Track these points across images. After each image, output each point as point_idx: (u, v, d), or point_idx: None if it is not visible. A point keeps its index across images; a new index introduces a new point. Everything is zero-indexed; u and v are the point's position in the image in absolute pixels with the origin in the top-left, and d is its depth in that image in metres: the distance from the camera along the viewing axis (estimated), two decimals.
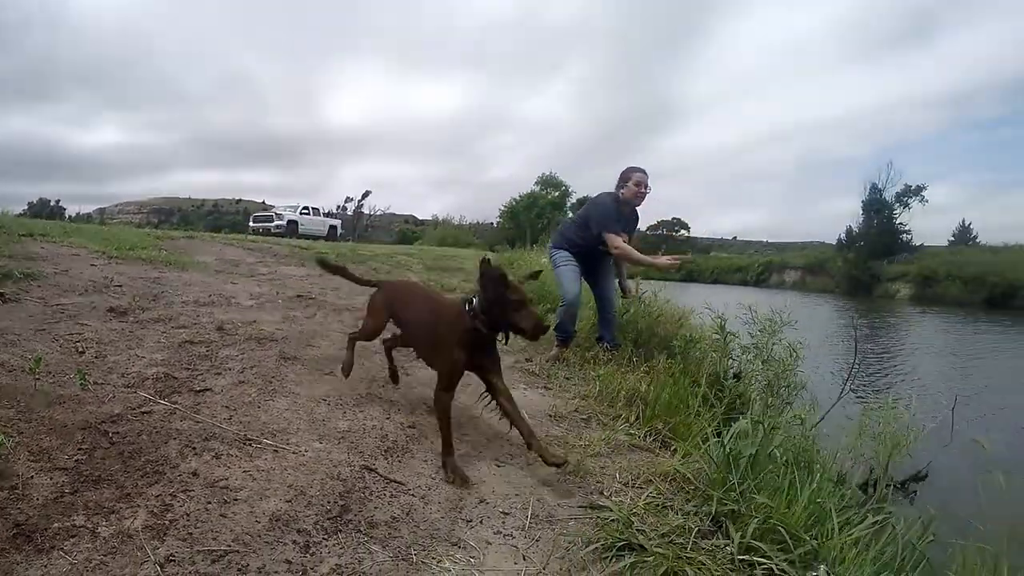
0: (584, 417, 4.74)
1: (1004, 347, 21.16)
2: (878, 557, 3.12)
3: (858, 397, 9.05)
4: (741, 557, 2.76)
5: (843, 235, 50.95)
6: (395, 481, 3.22)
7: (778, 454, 3.60)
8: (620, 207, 6.46)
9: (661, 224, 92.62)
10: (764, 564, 2.77)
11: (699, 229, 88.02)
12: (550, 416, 4.68)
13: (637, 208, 6.64)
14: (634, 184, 6.40)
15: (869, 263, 45.92)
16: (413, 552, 2.65)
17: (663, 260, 6.21)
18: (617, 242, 6.26)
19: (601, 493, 3.45)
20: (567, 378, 5.97)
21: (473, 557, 2.69)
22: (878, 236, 47.63)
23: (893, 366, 15.45)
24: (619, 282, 6.93)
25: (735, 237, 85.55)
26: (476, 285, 3.27)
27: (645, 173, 6.44)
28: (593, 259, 6.61)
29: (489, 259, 3.22)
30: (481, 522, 3.00)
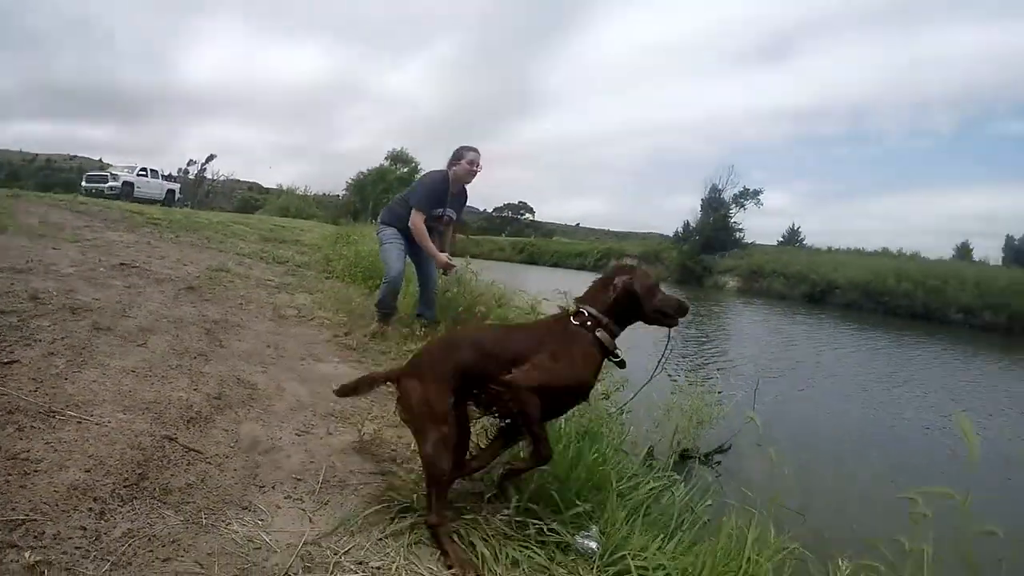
0: (392, 391, 4.88)
1: (815, 337, 23.02)
2: (657, 520, 3.42)
3: (678, 378, 9.66)
4: (518, 519, 2.98)
5: (680, 228, 54.31)
6: (194, 450, 3.26)
7: (562, 424, 3.80)
8: (450, 185, 6.57)
9: (507, 207, 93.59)
10: (537, 524, 3.00)
11: (544, 214, 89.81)
12: None
13: (467, 187, 6.83)
14: (467, 163, 6.53)
15: (702, 256, 48.71)
16: (204, 516, 2.72)
17: (442, 258, 6.46)
18: (416, 220, 6.40)
19: (394, 460, 3.61)
20: (383, 353, 6.10)
21: (262, 520, 2.79)
22: (713, 232, 50.59)
23: (716, 350, 16.47)
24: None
25: (578, 224, 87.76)
26: (592, 296, 3.18)
27: (478, 152, 6.56)
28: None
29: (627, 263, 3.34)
30: (274, 487, 3.09)
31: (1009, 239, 54.74)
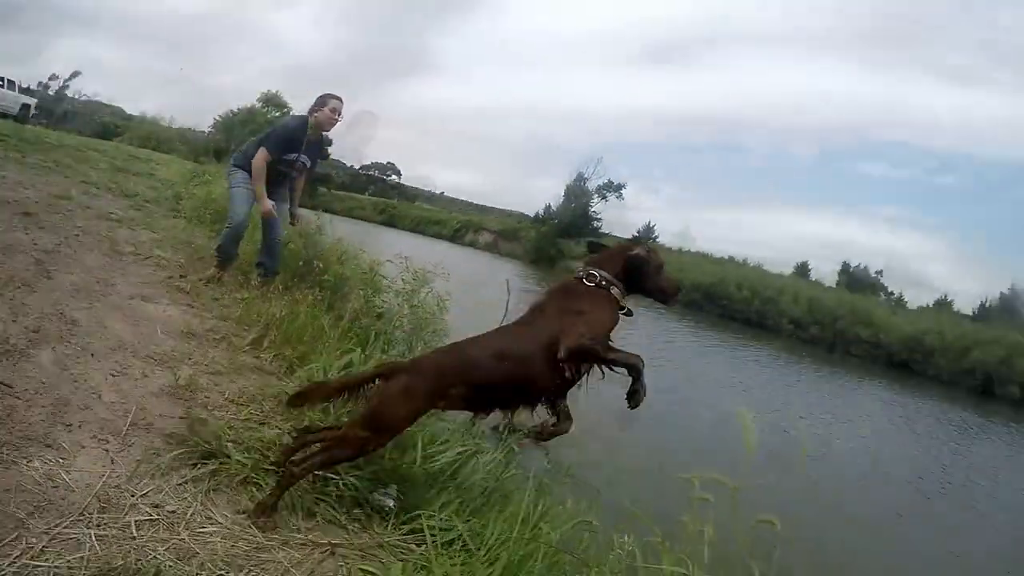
0: (218, 337, 4.86)
1: (651, 329, 24.08)
2: (461, 484, 3.55)
3: None
4: (316, 471, 3.07)
5: (541, 211, 54.31)
6: (3, 383, 3.19)
7: None
8: (308, 131, 6.54)
9: (375, 166, 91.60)
10: (335, 480, 3.13)
11: (412, 178, 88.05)
12: (183, 332, 4.73)
13: (339, 143, 6.83)
14: (329, 110, 6.50)
15: (558, 240, 49.51)
16: (5, 451, 2.69)
17: (267, 203, 6.36)
18: (259, 158, 6.31)
19: (205, 407, 3.64)
20: (215, 299, 6.02)
21: (63, 459, 2.77)
22: (572, 218, 51.40)
23: None
24: (290, 209, 6.97)
25: (443, 192, 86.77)
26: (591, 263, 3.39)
27: (341, 101, 6.56)
28: (269, 183, 6.56)
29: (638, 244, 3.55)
30: (80, 427, 3.06)
31: (845, 264, 58.67)
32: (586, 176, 54.06)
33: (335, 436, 2.91)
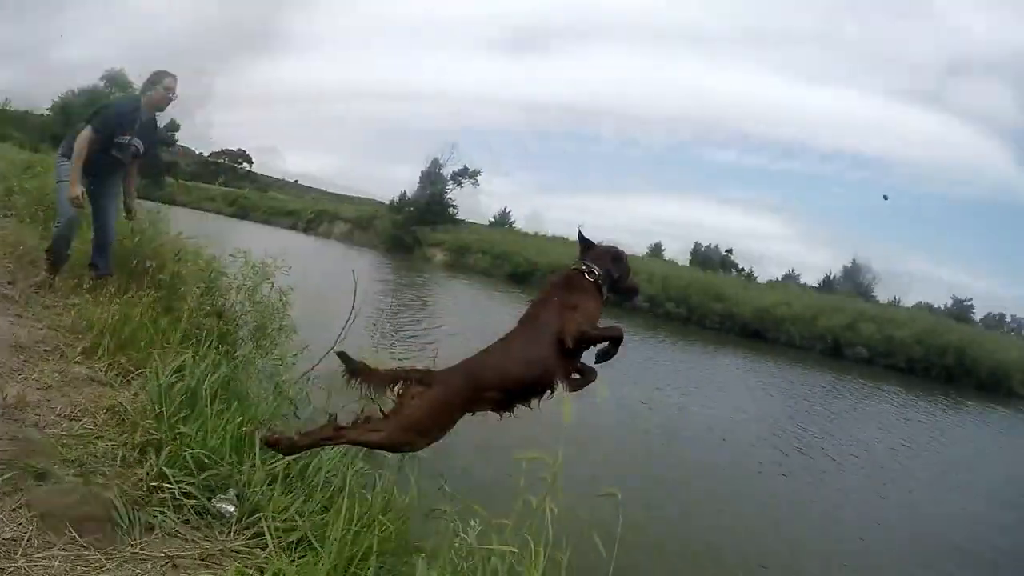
0: (49, 348, 4.63)
1: (512, 312, 24.46)
2: (309, 482, 3.57)
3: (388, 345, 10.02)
4: (153, 483, 3.06)
5: (397, 198, 53.60)
6: None
7: (205, 390, 3.82)
8: (142, 112, 6.28)
9: (225, 153, 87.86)
10: (171, 488, 3.06)
11: (264, 166, 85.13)
12: (12, 347, 4.44)
13: (159, 115, 6.57)
14: (163, 88, 6.25)
15: (415, 228, 49.28)
16: None
17: (75, 189, 5.97)
18: (82, 137, 5.96)
19: (36, 425, 3.46)
20: (46, 306, 5.70)
21: None
22: (428, 205, 51.17)
23: (415, 320, 17.05)
24: (125, 202, 6.64)
25: (296, 180, 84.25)
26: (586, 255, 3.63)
27: (175, 79, 6.31)
28: (99, 173, 6.26)
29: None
30: None
31: (697, 244, 61.52)
32: (442, 162, 53.90)
33: (377, 436, 3.08)
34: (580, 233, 3.82)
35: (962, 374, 36.93)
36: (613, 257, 3.65)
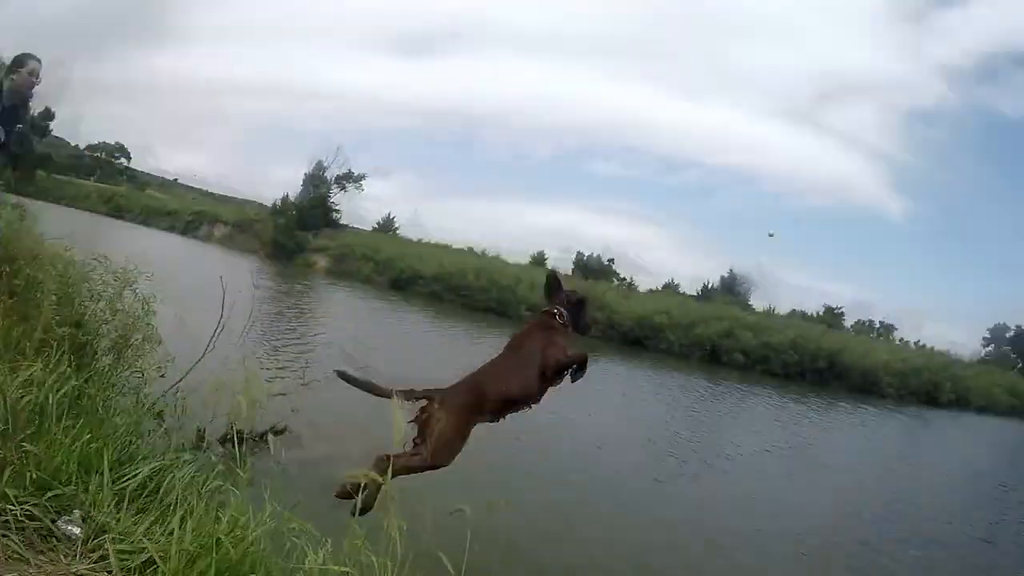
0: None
1: (393, 321, 24.52)
2: (163, 500, 3.45)
3: (259, 356, 9.89)
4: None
5: (280, 201, 52.16)
6: None
7: (52, 405, 3.73)
8: (4, 97, 6.00)
9: (102, 146, 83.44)
10: (13, 510, 2.94)
11: (143, 162, 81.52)
12: None
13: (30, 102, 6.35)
14: (28, 72, 5.99)
15: (297, 233, 48.29)
16: None
17: None
18: None
19: None
20: None
21: None
22: (311, 209, 50.33)
23: (292, 328, 16.84)
24: None
25: (176, 179, 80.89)
26: (554, 298, 4.70)
27: (40, 62, 6.07)
28: None
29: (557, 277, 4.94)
30: None
31: (579, 254, 62.88)
32: (326, 165, 53.26)
33: (419, 460, 3.97)
34: (552, 276, 4.99)
35: (834, 377, 39.35)
36: (577, 302, 4.74)
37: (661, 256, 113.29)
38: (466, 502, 3.44)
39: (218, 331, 6.39)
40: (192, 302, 8.44)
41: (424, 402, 4.06)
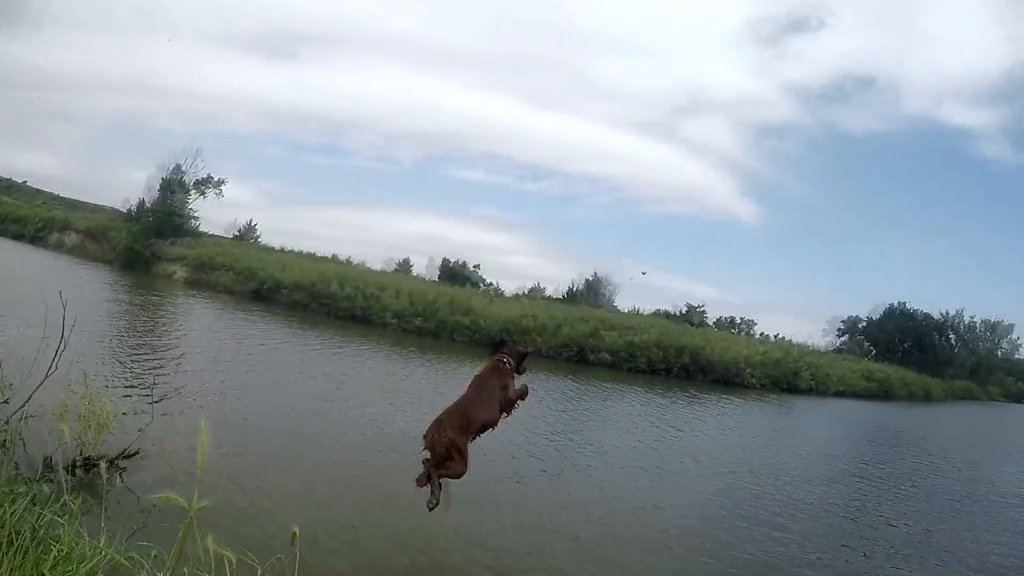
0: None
1: (260, 329, 24.42)
2: None
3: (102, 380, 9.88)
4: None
5: (135, 206, 49.94)
6: None
7: None
8: None
9: None
10: None
11: None
12: None
13: None
14: None
15: (153, 240, 46.30)
16: None
17: None
18: None
19: None
20: None
21: None
22: (168, 216, 48.11)
23: (143, 343, 16.71)
24: None
25: (26, 182, 75.95)
26: (500, 352, 6.64)
27: None
28: None
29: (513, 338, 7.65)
30: None
31: (445, 260, 63.76)
32: (184, 169, 50.76)
33: (454, 471, 5.87)
34: (502, 339, 7.23)
35: (699, 371, 41.46)
36: (519, 354, 6.62)
37: (527, 261, 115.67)
38: (300, 523, 3.87)
39: (60, 351, 6.55)
40: (29, 319, 8.42)
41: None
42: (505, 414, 6.31)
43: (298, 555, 3.31)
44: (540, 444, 14.63)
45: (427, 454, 5.83)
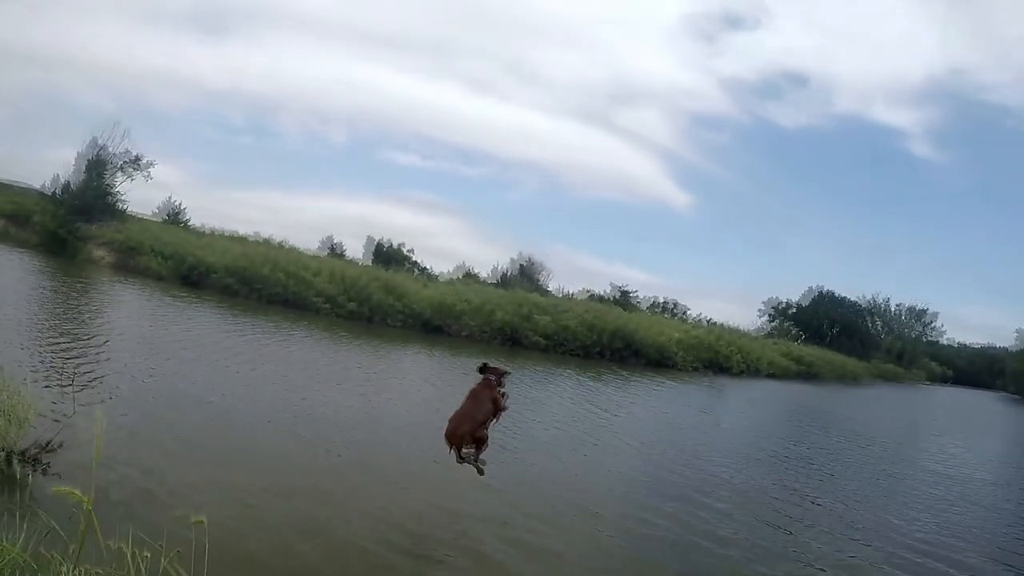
0: None
1: (188, 315, 24.33)
2: None
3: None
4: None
5: (59, 188, 48.04)
6: None
7: None
8: None
9: None
10: None
11: None
12: None
13: None
14: None
15: (78, 223, 44.77)
16: None
17: None
18: None
19: None
20: None
21: None
22: (93, 197, 46.52)
23: (64, 332, 16.64)
24: None
25: None
26: (488, 372, 8.15)
27: None
28: None
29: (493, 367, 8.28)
30: None
31: (379, 244, 63.81)
32: (108, 147, 48.57)
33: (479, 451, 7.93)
34: (485, 365, 8.26)
35: (632, 354, 42.53)
36: (500, 373, 8.15)
37: (460, 245, 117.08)
38: (213, 509, 4.02)
39: None
40: None
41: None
42: (495, 417, 8.10)
43: (207, 543, 3.26)
44: None
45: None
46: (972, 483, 18.49)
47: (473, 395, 8.06)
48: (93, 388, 11.67)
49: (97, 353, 14.90)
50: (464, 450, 7.90)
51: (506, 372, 8.31)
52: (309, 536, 8.11)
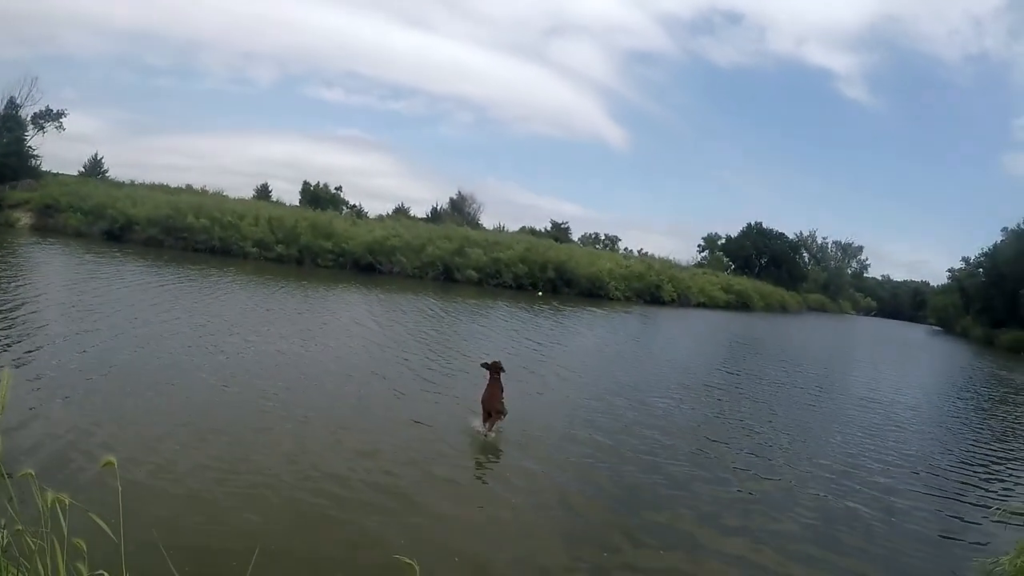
0: None
1: (113, 271, 24.56)
2: None
3: None
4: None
5: None
6: None
7: None
8: None
9: None
10: None
11: None
12: None
13: None
14: None
15: None
16: None
17: None
18: None
19: None
20: None
21: None
22: (5, 156, 45.75)
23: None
24: None
25: None
26: (490, 364, 11.57)
27: None
28: None
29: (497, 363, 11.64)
30: None
31: (306, 184, 63.52)
32: (19, 102, 48.42)
33: (498, 419, 11.20)
34: (486, 363, 11.61)
35: (565, 284, 43.89)
36: (500, 366, 11.47)
37: (391, 182, 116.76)
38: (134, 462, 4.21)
39: None
40: None
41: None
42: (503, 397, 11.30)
43: (119, 486, 2.99)
44: (395, 370, 15.09)
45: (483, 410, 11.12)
46: (896, 407, 19.51)
47: (492, 382, 11.31)
48: (15, 357, 11.83)
49: (20, 319, 14.94)
50: (493, 420, 10.92)
51: (502, 369, 11.53)
52: (231, 480, 7.97)
